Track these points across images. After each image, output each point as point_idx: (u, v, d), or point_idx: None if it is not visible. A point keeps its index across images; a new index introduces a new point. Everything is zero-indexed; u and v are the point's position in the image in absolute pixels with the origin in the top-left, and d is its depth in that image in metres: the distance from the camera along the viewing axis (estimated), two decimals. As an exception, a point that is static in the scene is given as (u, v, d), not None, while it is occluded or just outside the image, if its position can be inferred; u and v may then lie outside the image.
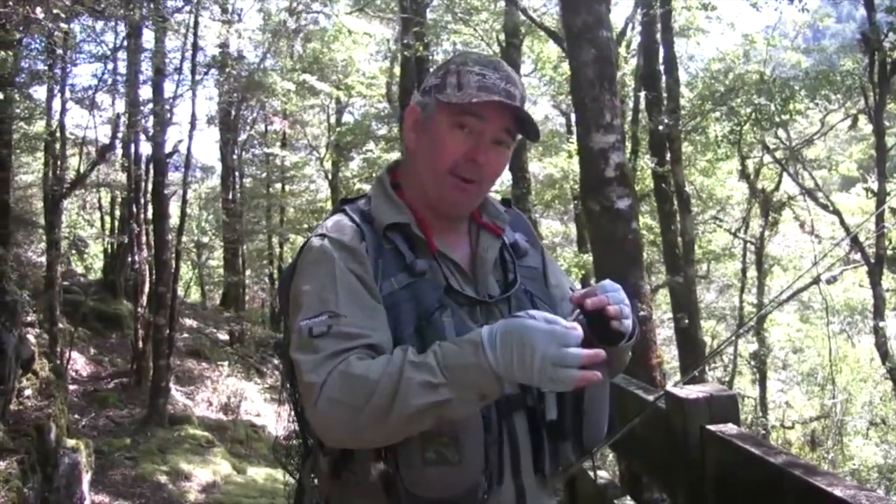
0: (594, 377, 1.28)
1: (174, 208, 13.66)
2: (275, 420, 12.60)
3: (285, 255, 22.09)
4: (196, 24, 11.84)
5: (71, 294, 12.67)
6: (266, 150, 21.54)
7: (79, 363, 11.48)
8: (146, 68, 11.46)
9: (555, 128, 19.87)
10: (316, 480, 1.62)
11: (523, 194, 11.85)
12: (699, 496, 2.05)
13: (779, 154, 15.03)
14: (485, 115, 1.54)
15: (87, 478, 6.44)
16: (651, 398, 2.35)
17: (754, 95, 11.94)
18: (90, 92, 11.23)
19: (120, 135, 12.04)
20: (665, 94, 11.81)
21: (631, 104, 13.65)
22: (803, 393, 17.79)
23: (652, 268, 15.66)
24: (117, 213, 16.43)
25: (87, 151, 12.84)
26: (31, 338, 6.15)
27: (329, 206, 21.05)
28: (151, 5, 9.30)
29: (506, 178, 12.80)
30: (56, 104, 11.53)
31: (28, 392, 5.73)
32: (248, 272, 21.23)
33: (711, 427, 2.00)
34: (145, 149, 12.94)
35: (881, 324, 11.45)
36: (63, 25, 7.04)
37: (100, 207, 18.34)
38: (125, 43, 11.12)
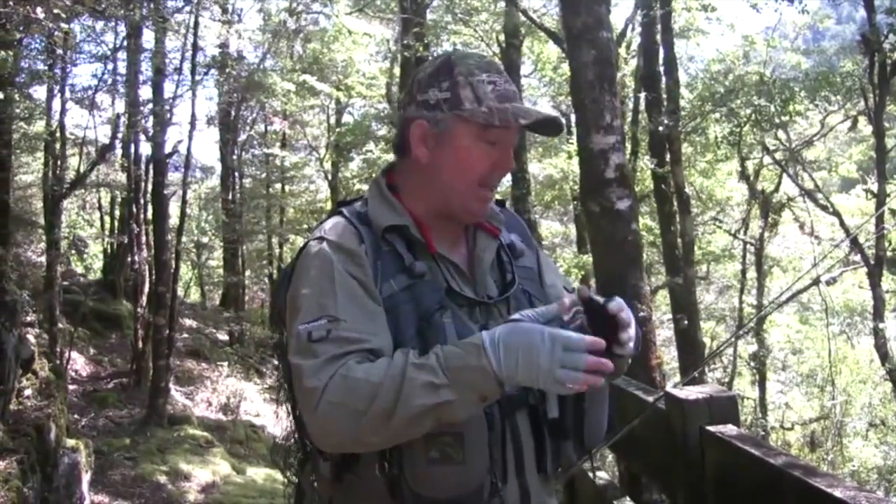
0: (597, 381, 1.30)
1: (174, 208, 13.66)
2: (274, 421, 12.63)
3: (285, 255, 22.07)
4: (196, 24, 11.84)
5: (71, 294, 12.66)
6: (266, 150, 21.53)
7: (78, 363, 11.47)
8: (146, 68, 11.46)
9: (554, 128, 19.81)
10: (316, 484, 1.62)
11: (523, 195, 11.85)
12: (699, 497, 2.05)
13: (779, 155, 15.03)
14: (510, 126, 1.55)
15: (86, 478, 6.44)
16: (651, 399, 2.35)
17: (754, 97, 11.94)
18: (90, 92, 11.24)
19: (120, 135, 12.04)
20: (665, 95, 11.81)
21: (631, 105, 13.66)
22: (803, 394, 17.80)
23: (651, 269, 15.66)
24: (117, 213, 16.43)
25: (87, 151, 12.86)
26: (30, 338, 6.14)
27: (329, 206, 21.04)
28: (151, 5, 9.30)
29: (506, 178, 12.77)
30: (56, 104, 11.55)
31: (28, 392, 5.73)
32: (247, 272, 21.22)
33: (711, 428, 2.01)
34: (145, 149, 12.95)
35: (881, 325, 11.45)
36: (63, 25, 7.04)
37: (99, 207, 18.34)
38: (125, 43, 11.12)
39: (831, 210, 14.57)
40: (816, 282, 11.30)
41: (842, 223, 14.18)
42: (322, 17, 16.32)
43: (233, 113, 17.58)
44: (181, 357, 13.64)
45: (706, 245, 16.71)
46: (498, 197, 1.77)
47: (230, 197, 18.54)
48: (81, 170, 11.63)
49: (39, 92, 11.45)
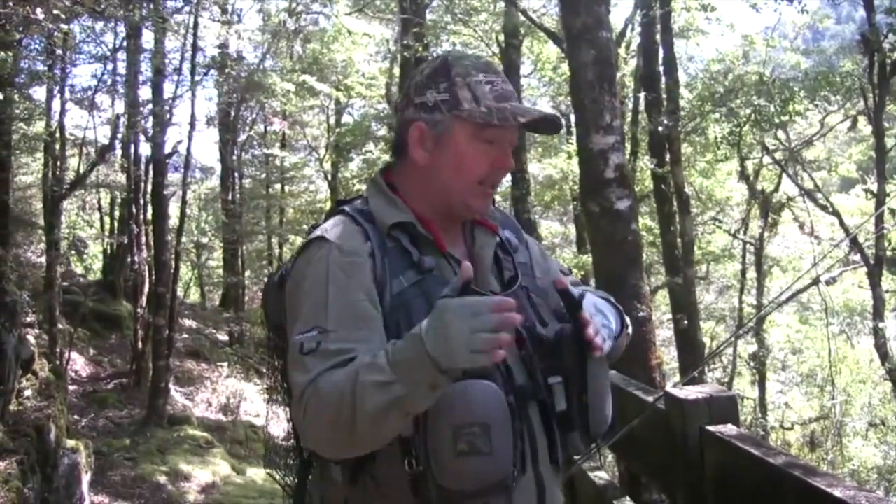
0: (504, 340, 1.27)
1: (174, 209, 13.66)
2: (269, 422, 12.59)
3: (285, 255, 22.04)
4: (196, 24, 11.84)
5: (70, 295, 12.66)
6: (265, 150, 21.54)
7: (78, 364, 11.47)
8: (146, 69, 11.46)
9: (554, 129, 19.81)
10: (317, 486, 1.63)
11: (523, 195, 11.85)
12: (698, 497, 2.05)
13: (778, 155, 15.03)
14: (508, 125, 1.56)
15: (86, 478, 6.44)
16: (650, 399, 2.35)
17: (754, 96, 11.94)
18: (90, 92, 11.25)
19: (119, 135, 12.05)
20: (665, 95, 11.80)
21: (630, 105, 13.66)
22: (803, 394, 17.79)
23: (651, 269, 15.66)
24: (117, 213, 16.43)
25: (87, 152, 12.86)
26: (30, 338, 6.14)
27: (328, 206, 20.98)
28: (151, 6, 9.31)
29: (505, 178, 12.76)
30: (56, 105, 11.56)
31: (28, 393, 5.73)
32: (247, 273, 21.22)
33: (711, 428, 2.01)
34: (145, 149, 12.95)
35: (880, 325, 11.45)
36: (63, 26, 7.04)
37: (99, 208, 18.33)
38: (125, 43, 11.13)
39: (831, 210, 14.58)
40: (816, 282, 11.30)
41: (841, 223, 14.18)
42: (322, 18, 16.35)
43: (232, 113, 17.59)
44: (181, 357, 13.64)
45: (706, 245, 16.71)
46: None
47: (230, 197, 18.55)
48: (81, 170, 11.64)
49: (39, 92, 11.46)
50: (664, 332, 15.59)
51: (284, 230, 21.21)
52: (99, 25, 10.66)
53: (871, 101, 11.87)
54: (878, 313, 11.59)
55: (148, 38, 11.54)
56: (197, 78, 12.40)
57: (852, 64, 13.18)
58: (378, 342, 1.43)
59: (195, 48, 12.10)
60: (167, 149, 11.22)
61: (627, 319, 1.72)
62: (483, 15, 15.40)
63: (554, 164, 16.81)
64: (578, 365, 1.51)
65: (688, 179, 13.79)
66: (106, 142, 11.68)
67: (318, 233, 1.57)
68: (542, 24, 12.48)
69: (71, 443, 6.14)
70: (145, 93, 11.51)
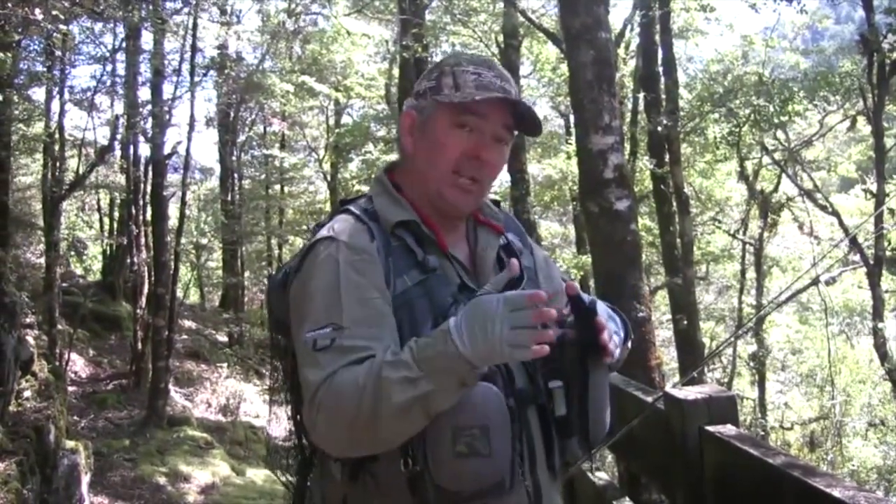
0: (547, 337, 1.29)
1: (173, 210, 13.66)
2: (270, 422, 12.61)
3: (284, 256, 22.05)
4: (195, 25, 11.85)
5: (70, 295, 12.67)
6: (265, 151, 21.55)
7: (78, 364, 11.48)
8: (145, 70, 11.47)
9: (553, 129, 19.85)
10: (318, 484, 1.62)
11: (522, 195, 11.84)
12: (698, 497, 2.05)
13: (778, 155, 15.03)
14: (485, 112, 1.55)
15: (86, 479, 6.44)
16: (650, 399, 2.35)
17: (753, 97, 11.95)
18: (89, 93, 11.26)
19: (119, 136, 12.06)
20: (664, 96, 11.80)
21: (630, 105, 13.65)
22: (802, 394, 17.80)
23: (651, 269, 15.66)
24: (116, 214, 16.45)
25: (86, 153, 12.86)
26: (30, 339, 6.14)
27: (328, 207, 21.03)
28: (150, 7, 9.31)
29: (505, 178, 12.80)
30: (55, 106, 11.57)
31: (27, 394, 5.72)
32: (246, 273, 21.23)
33: (710, 428, 2.01)
34: (144, 150, 12.98)
35: (880, 325, 11.45)
36: (62, 27, 7.04)
37: (99, 209, 18.35)
38: (124, 44, 11.13)
39: (830, 210, 14.58)
40: (816, 282, 11.30)
41: (841, 223, 14.18)
42: (321, 18, 16.32)
43: (232, 114, 17.59)
44: (181, 358, 13.64)
45: (705, 245, 16.72)
46: (495, 197, 1.77)
47: (229, 198, 18.56)
48: (80, 171, 11.65)
49: (38, 93, 11.48)
50: (664, 333, 15.59)
51: (284, 231, 21.22)
52: (98, 26, 10.68)
53: (870, 101, 11.87)
54: (877, 313, 11.59)
55: (147, 39, 11.56)
56: (196, 79, 12.43)
57: (851, 64, 13.17)
58: (390, 340, 1.43)
59: (194, 49, 12.12)
60: (166, 150, 11.23)
61: (630, 331, 1.71)
62: (482, 15, 15.40)
63: (553, 164, 16.80)
64: (580, 370, 1.51)
65: (687, 180, 13.79)
66: (105, 143, 11.69)
67: (324, 232, 1.56)
68: (542, 25, 12.49)
69: (70, 444, 6.14)
70: (144, 94, 11.53)
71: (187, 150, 12.21)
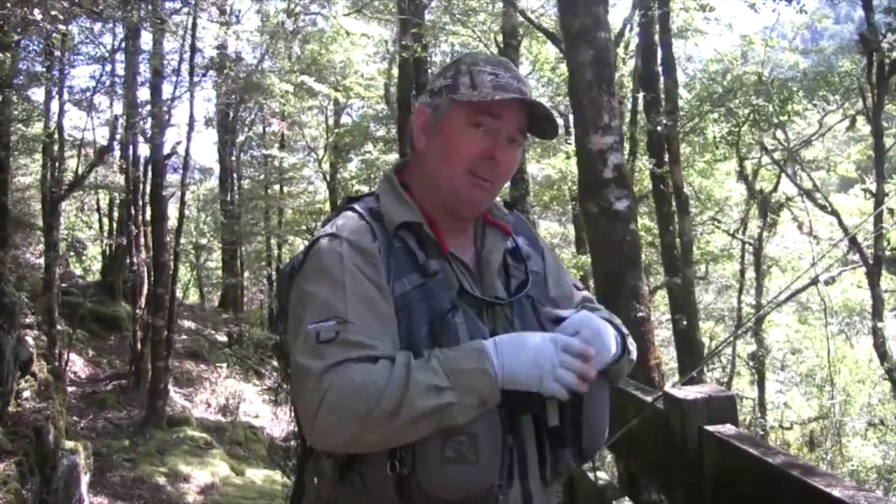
0: (582, 388, 1.43)
1: (172, 210, 13.67)
2: (272, 421, 12.63)
3: (284, 256, 22.07)
4: (194, 25, 11.85)
5: (69, 296, 12.67)
6: (264, 151, 21.56)
7: (77, 365, 11.48)
8: (144, 70, 11.48)
9: (553, 129, 19.81)
10: (317, 482, 1.61)
11: (522, 195, 11.84)
12: (697, 497, 2.05)
13: (777, 155, 15.03)
14: (501, 113, 1.55)
15: (85, 479, 6.44)
16: (649, 399, 2.35)
17: (752, 96, 11.94)
18: (88, 94, 11.28)
19: (118, 136, 12.06)
20: (663, 95, 11.79)
21: (629, 105, 13.64)
22: (802, 394, 17.79)
23: (650, 269, 15.66)
24: (115, 214, 16.46)
25: (86, 153, 12.86)
26: (29, 339, 6.14)
27: (327, 207, 21.04)
28: (149, 7, 9.30)
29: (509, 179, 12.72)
30: (54, 106, 11.58)
31: (26, 394, 5.72)
32: (246, 274, 21.24)
33: (710, 428, 2.00)
34: (143, 150, 13.00)
35: (879, 325, 11.45)
36: (61, 27, 7.04)
37: (98, 209, 18.34)
38: (123, 44, 11.14)
39: (830, 210, 14.58)
40: (815, 281, 11.30)
41: (840, 223, 14.18)
42: (320, 18, 16.30)
43: (231, 114, 17.60)
44: (180, 358, 13.65)
45: (705, 245, 16.72)
46: (507, 200, 1.77)
47: (229, 198, 18.56)
48: (80, 171, 11.64)
49: (38, 94, 11.49)
50: (663, 332, 15.59)
51: (283, 231, 21.23)
52: (97, 26, 10.69)
53: (869, 101, 11.87)
54: (877, 313, 11.59)
55: (146, 40, 11.58)
56: (195, 79, 12.42)
57: (851, 64, 13.18)
58: (391, 343, 1.43)
59: (194, 49, 12.12)
60: (166, 150, 11.24)
61: (631, 345, 1.70)
62: (482, 15, 15.40)
63: (552, 164, 16.80)
64: None
65: (686, 179, 13.79)
66: (104, 143, 11.69)
67: (328, 228, 1.56)
68: (541, 25, 12.48)
69: (70, 444, 6.14)
70: (144, 94, 11.55)
71: (186, 151, 12.22)
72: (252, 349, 17.64)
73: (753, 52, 15.96)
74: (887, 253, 11.99)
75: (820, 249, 15.09)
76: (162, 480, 8.31)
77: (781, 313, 17.85)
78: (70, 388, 10.01)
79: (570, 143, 13.92)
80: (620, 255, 5.43)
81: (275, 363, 16.60)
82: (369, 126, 20.22)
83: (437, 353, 1.39)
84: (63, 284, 12.18)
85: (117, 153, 13.85)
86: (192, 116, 12.12)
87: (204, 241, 17.56)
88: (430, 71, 12.33)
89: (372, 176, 18.95)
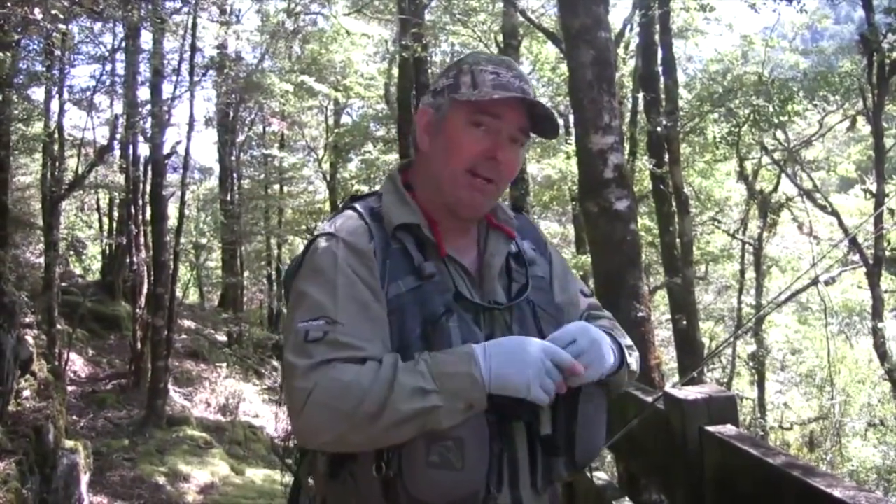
0: (560, 389, 1.44)
1: (172, 209, 13.67)
2: (273, 420, 12.63)
3: (283, 256, 22.09)
4: (194, 25, 11.85)
5: (69, 295, 12.67)
6: (264, 151, 21.56)
7: (77, 364, 11.47)
8: (144, 69, 11.48)
9: (553, 129, 19.81)
10: (311, 479, 1.61)
11: (522, 195, 11.84)
12: (698, 497, 2.04)
13: (777, 155, 15.03)
14: (501, 113, 1.54)
15: (85, 479, 6.44)
16: (650, 399, 2.35)
17: (753, 96, 11.94)
18: (88, 93, 11.28)
19: (118, 136, 12.06)
20: (663, 96, 11.79)
21: (629, 105, 13.64)
22: (802, 394, 17.79)
23: (650, 269, 15.66)
24: (115, 214, 16.45)
25: (86, 153, 12.86)
26: (29, 339, 6.14)
27: (327, 207, 21.05)
28: (150, 6, 9.30)
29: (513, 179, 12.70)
30: (54, 105, 11.58)
31: (26, 393, 5.72)
32: (246, 273, 21.24)
33: (710, 428, 2.00)
34: (143, 150, 12.99)
35: (880, 325, 11.44)
36: (61, 27, 7.04)
37: (98, 209, 18.34)
38: (123, 44, 11.14)
39: (830, 210, 14.58)
40: (815, 282, 11.32)
41: (840, 223, 14.18)
42: (320, 18, 16.31)
43: (231, 114, 17.60)
44: (180, 358, 13.65)
45: (705, 245, 16.71)
46: (516, 203, 1.76)
47: (229, 198, 18.56)
48: (80, 171, 11.63)
49: (38, 93, 11.49)
50: (663, 333, 15.59)
51: (283, 231, 21.23)
52: (97, 26, 10.68)
53: (869, 101, 11.87)
54: (877, 313, 11.59)
55: (146, 39, 11.59)
56: (195, 78, 12.42)
57: (851, 64, 13.18)
58: (381, 345, 1.43)
59: (194, 49, 12.12)
60: (166, 149, 11.24)
61: (631, 357, 1.67)
62: (482, 15, 15.40)
63: (552, 164, 16.78)
64: (570, 392, 1.48)
65: (687, 179, 13.79)
66: (104, 142, 11.69)
67: (327, 227, 1.56)
68: (541, 25, 12.48)
69: (70, 443, 6.14)
70: (144, 93, 11.56)
71: (186, 150, 12.23)
72: (252, 349, 17.64)
73: (754, 52, 15.96)
74: (887, 253, 11.99)
75: (820, 250, 15.10)
76: (162, 480, 8.31)
77: (781, 314, 17.85)
78: (70, 388, 10.01)
79: (570, 143, 13.92)
80: (620, 255, 5.43)
81: (275, 363, 16.64)
82: (369, 126, 20.23)
83: (425, 356, 1.39)
84: (63, 284, 12.18)
85: (117, 153, 13.85)
86: (192, 116, 12.14)
87: (204, 240, 17.56)
88: (430, 71, 12.34)
89: (372, 176, 18.96)
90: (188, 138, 12.00)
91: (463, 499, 1.40)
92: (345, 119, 22.71)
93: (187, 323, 17.19)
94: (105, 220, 17.89)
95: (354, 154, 20.32)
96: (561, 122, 19.30)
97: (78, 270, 18.04)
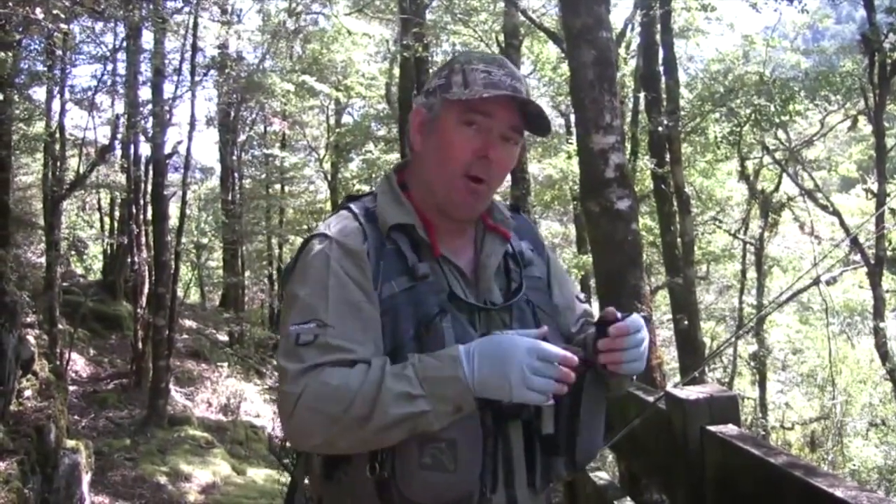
0: (561, 390, 1.38)
1: (173, 209, 13.67)
2: (274, 420, 12.63)
3: (284, 256, 22.08)
4: (195, 25, 11.85)
5: (70, 295, 12.68)
6: (265, 150, 21.56)
7: (78, 364, 11.48)
8: (145, 69, 11.49)
9: (554, 129, 19.83)
10: (308, 480, 1.62)
11: (523, 195, 11.83)
12: (699, 497, 2.04)
13: (778, 155, 15.01)
14: (492, 111, 1.53)
15: (86, 478, 6.44)
16: (651, 399, 2.35)
17: (754, 96, 11.93)
18: (90, 93, 11.27)
19: (119, 136, 12.06)
20: (665, 95, 11.79)
21: (630, 105, 13.64)
22: (803, 394, 17.78)
23: (651, 269, 15.65)
24: (117, 214, 16.45)
25: (87, 152, 12.86)
26: (30, 339, 6.14)
27: (328, 207, 21.06)
28: (151, 6, 9.30)
29: (506, 178, 12.70)
30: (56, 105, 11.57)
31: (28, 393, 5.73)
32: (247, 273, 21.24)
33: (711, 428, 2.00)
34: (145, 150, 13.00)
35: (881, 325, 11.43)
36: (63, 26, 7.04)
37: (99, 208, 18.35)
38: (124, 44, 11.14)
39: (831, 210, 14.56)
40: (816, 281, 11.30)
41: (842, 223, 14.16)
42: (321, 18, 16.32)
43: (232, 114, 17.60)
44: (181, 358, 13.65)
45: (706, 245, 16.70)
46: (513, 203, 1.76)
47: (230, 198, 18.56)
48: (81, 171, 11.63)
49: (39, 93, 11.49)
50: (664, 332, 15.58)
51: (284, 230, 21.23)
52: (99, 26, 10.67)
53: (871, 101, 11.85)
54: (878, 313, 11.58)
55: (148, 39, 11.59)
56: (197, 78, 12.43)
57: (852, 64, 13.15)
58: (373, 346, 1.43)
59: (195, 48, 12.13)
60: (167, 149, 11.24)
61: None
62: (483, 15, 15.39)
63: (554, 164, 16.78)
64: (573, 391, 1.47)
65: (688, 179, 13.77)
66: (106, 142, 11.68)
67: (321, 228, 1.56)
68: (542, 25, 12.47)
69: (71, 443, 6.14)
70: (145, 93, 11.56)
71: (188, 150, 12.24)
72: (253, 348, 17.66)
73: (755, 51, 15.93)
74: (889, 253, 11.97)
75: (821, 249, 15.08)
76: (163, 480, 8.31)
77: (783, 313, 17.84)
78: (71, 388, 10.01)
79: (571, 143, 13.92)
80: (622, 254, 5.43)
81: (276, 362, 16.59)
82: (370, 126, 20.23)
83: (413, 359, 1.38)
84: (64, 283, 12.19)
85: (119, 152, 13.85)
86: (193, 116, 12.16)
87: (205, 240, 17.58)
88: (431, 70, 12.32)
89: (373, 175, 18.96)
90: (189, 138, 12.02)
91: (456, 500, 1.40)
92: (346, 119, 22.74)
93: (188, 323, 17.20)
94: (106, 219, 17.90)
95: (355, 154, 20.33)
96: (562, 121, 19.32)
97: (79, 270, 18.05)
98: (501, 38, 14.03)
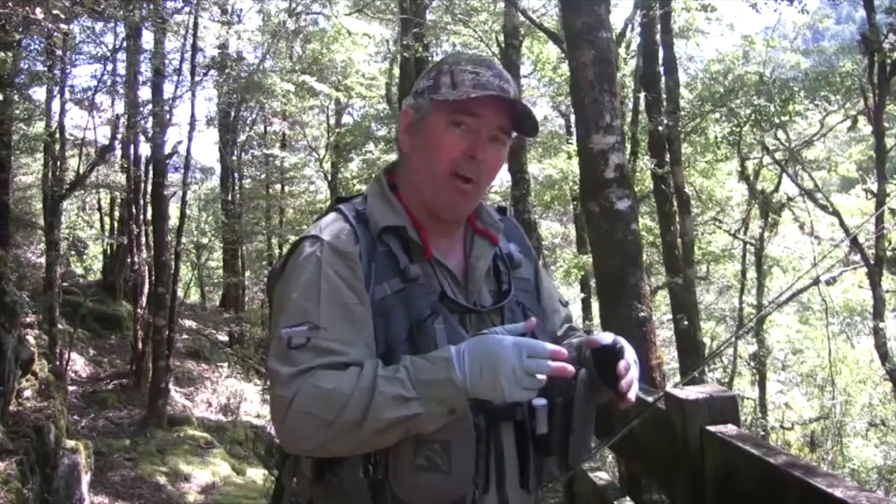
0: (566, 373, 1.37)
1: (173, 209, 13.67)
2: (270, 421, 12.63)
3: (284, 256, 22.02)
4: (195, 25, 11.84)
5: (70, 295, 12.66)
6: (265, 151, 21.53)
7: (78, 364, 11.47)
8: (145, 69, 11.48)
9: (554, 129, 19.87)
10: (296, 482, 1.61)
11: (523, 195, 11.83)
12: (699, 497, 2.04)
13: (778, 155, 15.01)
14: (480, 112, 1.53)
15: (86, 479, 6.44)
16: (651, 399, 2.35)
17: (754, 96, 11.93)
18: (90, 93, 11.25)
19: (119, 136, 12.05)
20: (664, 95, 11.79)
21: (630, 105, 13.65)
22: (803, 394, 17.79)
23: (651, 269, 15.66)
24: (117, 214, 16.43)
25: (87, 152, 12.85)
26: (30, 339, 6.14)
27: (328, 206, 21.04)
28: (151, 6, 9.30)
29: (505, 178, 12.77)
30: (55, 105, 11.56)
31: (27, 393, 5.72)
32: (247, 273, 21.21)
33: (711, 428, 2.00)
34: (145, 150, 12.99)
35: (881, 325, 11.43)
36: (63, 26, 7.02)
37: (99, 208, 18.33)
38: (124, 44, 11.12)
39: (831, 210, 14.55)
40: (816, 282, 11.28)
41: (842, 223, 14.16)
42: (321, 18, 16.30)
43: (232, 114, 17.59)
44: (181, 358, 13.65)
45: (706, 245, 16.71)
46: (501, 204, 1.76)
47: (230, 198, 18.55)
48: (81, 171, 11.63)
49: (39, 93, 11.48)
50: (664, 332, 15.59)
51: (284, 230, 21.19)
52: (99, 26, 10.67)
53: (871, 101, 11.85)
54: (878, 313, 11.57)
55: (148, 39, 11.57)
56: (197, 78, 12.42)
57: (852, 64, 13.16)
58: (365, 348, 1.43)
59: (195, 49, 12.12)
60: (167, 149, 11.23)
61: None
62: (483, 15, 15.40)
63: (554, 164, 16.80)
64: (566, 391, 1.49)
65: (688, 179, 13.78)
66: (106, 142, 11.66)
67: (312, 230, 1.56)
68: (542, 25, 12.47)
69: (71, 443, 6.14)
70: (145, 93, 11.55)
71: (188, 150, 12.21)
72: (253, 349, 17.64)
73: (755, 52, 15.93)
74: (888, 253, 11.97)
75: (821, 250, 15.09)
76: (163, 480, 8.31)
77: (782, 314, 17.86)
78: (71, 388, 10.01)
79: (571, 143, 13.93)
80: (622, 254, 5.44)
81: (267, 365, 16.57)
82: (370, 126, 20.21)
83: (406, 361, 1.38)
84: (64, 283, 12.18)
85: (118, 152, 13.84)
86: (193, 116, 12.12)
87: (205, 240, 17.57)
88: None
89: (373, 175, 18.88)
90: (189, 138, 12.00)
91: (450, 502, 1.41)
92: (346, 119, 22.72)
93: (188, 323, 17.19)
94: (106, 219, 17.87)
95: (356, 154, 20.30)
96: (562, 121, 19.33)
97: (79, 270, 18.05)
98: (501, 38, 14.03)
